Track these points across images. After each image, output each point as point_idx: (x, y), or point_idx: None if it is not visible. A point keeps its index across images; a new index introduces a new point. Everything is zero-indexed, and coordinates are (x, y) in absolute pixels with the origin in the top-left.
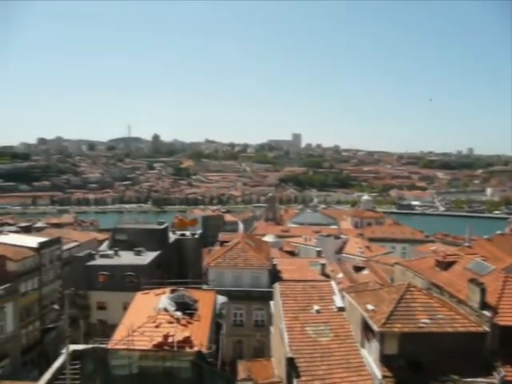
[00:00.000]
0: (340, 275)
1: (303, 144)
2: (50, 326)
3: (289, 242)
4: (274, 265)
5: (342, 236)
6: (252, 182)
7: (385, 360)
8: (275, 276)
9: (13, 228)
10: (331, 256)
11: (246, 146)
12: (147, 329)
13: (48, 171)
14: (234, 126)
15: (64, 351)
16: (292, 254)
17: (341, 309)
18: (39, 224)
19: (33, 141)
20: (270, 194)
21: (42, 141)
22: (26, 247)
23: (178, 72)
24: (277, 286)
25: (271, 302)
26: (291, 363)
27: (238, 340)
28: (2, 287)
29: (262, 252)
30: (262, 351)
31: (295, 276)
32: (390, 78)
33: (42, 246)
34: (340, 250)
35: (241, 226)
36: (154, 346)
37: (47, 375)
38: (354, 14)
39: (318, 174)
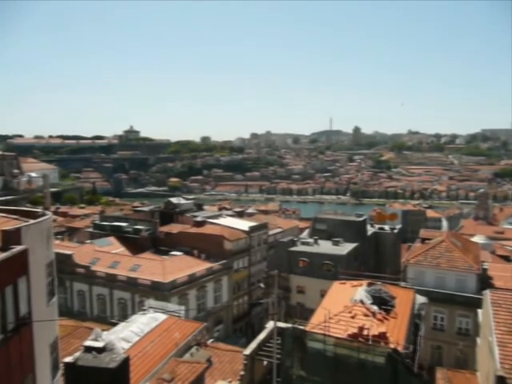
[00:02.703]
0: None
1: None
2: (260, 301)
3: (504, 245)
4: (484, 269)
5: None
6: (460, 176)
7: None
8: (485, 282)
9: (229, 212)
10: None
11: (454, 137)
12: (343, 318)
13: (258, 163)
14: (440, 116)
15: (268, 326)
16: (507, 259)
17: None
18: (250, 210)
19: (247, 136)
20: (482, 190)
21: (254, 135)
22: (239, 230)
23: (378, 64)
24: (487, 294)
25: (479, 310)
26: (502, 383)
27: (437, 345)
28: (220, 263)
29: (469, 253)
30: (464, 362)
31: (511, 285)
32: None
33: (252, 229)
34: None
35: (445, 224)
36: (349, 335)
37: (253, 344)
38: None
39: None
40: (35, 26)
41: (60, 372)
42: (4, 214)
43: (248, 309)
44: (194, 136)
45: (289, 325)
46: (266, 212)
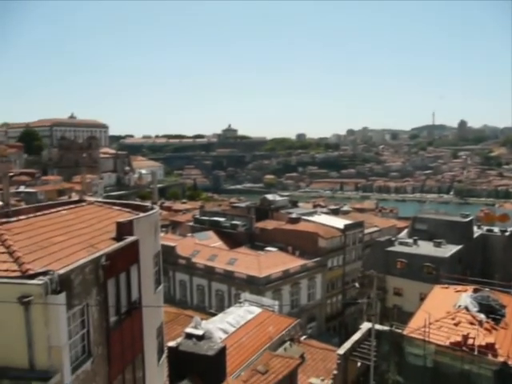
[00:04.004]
0: None
1: None
2: (357, 301)
3: None
4: None
5: None
6: None
7: None
8: None
9: (324, 210)
10: None
11: None
12: (445, 324)
13: (354, 160)
14: None
15: (363, 327)
16: None
17: None
18: (345, 208)
19: (343, 132)
20: None
21: (350, 132)
22: (334, 227)
23: (486, 53)
24: None
25: None
26: None
27: None
28: (314, 260)
29: None
30: None
31: None
32: None
33: (347, 227)
34: None
35: None
36: (452, 343)
37: (347, 344)
38: None
39: None
40: (138, 26)
41: (164, 355)
42: (118, 207)
43: (342, 308)
44: (290, 133)
45: (385, 327)
46: (361, 210)
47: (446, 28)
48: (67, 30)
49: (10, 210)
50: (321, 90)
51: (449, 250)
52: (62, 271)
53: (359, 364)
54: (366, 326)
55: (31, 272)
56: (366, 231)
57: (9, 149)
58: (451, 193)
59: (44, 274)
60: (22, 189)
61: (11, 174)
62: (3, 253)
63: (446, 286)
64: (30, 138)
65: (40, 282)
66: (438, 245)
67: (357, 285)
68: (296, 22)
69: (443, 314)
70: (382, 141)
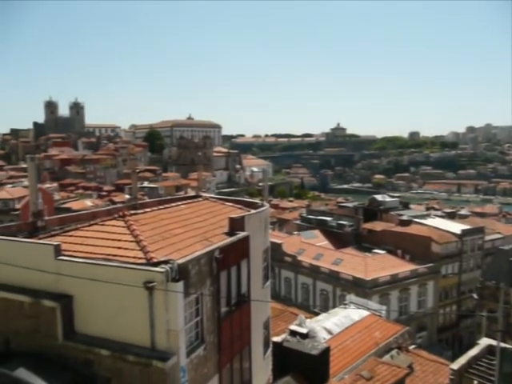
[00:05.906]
0: None
1: None
2: (475, 314)
3: None
4: None
5: None
6: None
7: None
8: None
9: (438, 213)
10: None
11: None
12: None
13: (474, 159)
14: None
15: (481, 342)
16: None
17: None
18: (463, 211)
19: (462, 130)
20: None
21: (470, 129)
22: (450, 232)
23: None
24: None
25: None
26: None
27: None
28: (426, 266)
29: None
30: None
31: None
32: None
33: (465, 233)
34: None
35: None
36: None
37: (462, 360)
38: None
39: None
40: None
41: (270, 349)
42: (230, 204)
43: (456, 319)
44: (402, 132)
45: (509, 346)
46: (482, 215)
47: None
48: (184, 36)
49: (137, 203)
50: (437, 86)
51: None
52: (181, 261)
53: (476, 382)
54: (484, 341)
55: (155, 260)
56: (487, 238)
57: (136, 148)
58: None
59: (165, 262)
60: (145, 184)
61: (138, 170)
62: (132, 241)
63: None
64: (153, 138)
65: (162, 270)
66: None
67: (475, 296)
68: (409, 19)
69: None
70: (508, 138)
